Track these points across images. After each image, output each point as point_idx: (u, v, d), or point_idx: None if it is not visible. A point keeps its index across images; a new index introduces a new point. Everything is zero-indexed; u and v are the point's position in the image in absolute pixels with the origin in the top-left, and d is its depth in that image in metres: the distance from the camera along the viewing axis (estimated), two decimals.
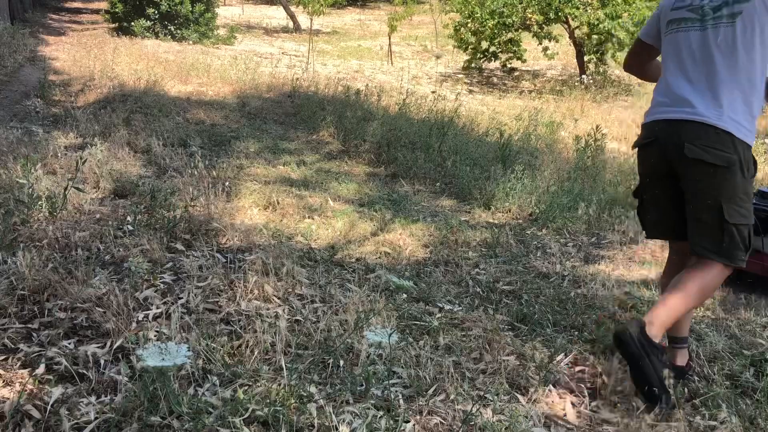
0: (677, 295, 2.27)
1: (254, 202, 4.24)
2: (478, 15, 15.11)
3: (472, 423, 1.94)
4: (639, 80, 14.74)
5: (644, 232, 2.61)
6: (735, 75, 2.27)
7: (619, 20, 13.63)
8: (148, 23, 14.81)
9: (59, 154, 4.48)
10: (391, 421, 1.90)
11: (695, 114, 2.28)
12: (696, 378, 2.46)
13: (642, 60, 2.70)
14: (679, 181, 2.36)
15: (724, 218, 2.24)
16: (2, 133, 5.01)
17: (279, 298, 2.71)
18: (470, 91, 14.33)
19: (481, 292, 3.21)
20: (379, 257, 3.61)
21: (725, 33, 2.29)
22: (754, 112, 2.28)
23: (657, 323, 2.22)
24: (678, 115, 2.33)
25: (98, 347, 2.17)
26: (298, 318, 2.55)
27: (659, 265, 3.71)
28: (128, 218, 3.44)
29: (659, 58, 2.56)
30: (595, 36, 14.35)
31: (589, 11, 14.10)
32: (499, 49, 15.59)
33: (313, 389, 2.00)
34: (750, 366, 2.54)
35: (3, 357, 2.08)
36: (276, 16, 24.40)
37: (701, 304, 2.81)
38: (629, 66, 2.81)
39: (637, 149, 2.52)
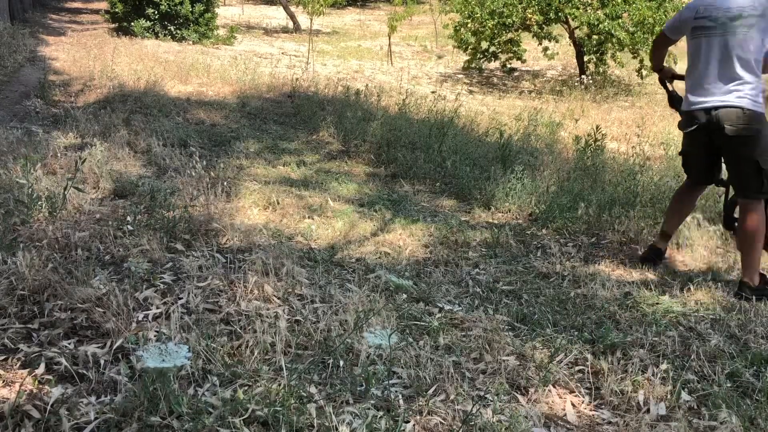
0: (746, 241, 3.34)
1: (254, 202, 4.24)
2: (478, 15, 15.10)
3: (472, 423, 1.94)
4: (639, 80, 14.68)
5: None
6: (748, 70, 3.24)
7: (619, 20, 13.61)
8: (148, 23, 14.79)
9: (59, 154, 4.48)
10: (391, 421, 1.90)
11: (727, 101, 3.24)
12: (696, 378, 2.46)
13: (663, 49, 3.75)
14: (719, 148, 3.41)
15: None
16: (2, 133, 5.01)
17: (279, 298, 2.71)
18: (470, 92, 14.32)
19: (481, 292, 3.21)
20: (379, 257, 3.61)
21: (740, 38, 3.23)
22: (762, 92, 3.29)
23: (750, 272, 3.31)
24: (714, 103, 3.29)
25: (98, 347, 2.17)
26: (298, 318, 2.55)
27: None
28: (128, 218, 3.44)
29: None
30: (595, 36, 14.34)
31: (589, 11, 14.09)
32: (499, 50, 15.58)
33: (313, 389, 2.00)
34: (750, 366, 2.54)
35: (3, 357, 2.08)
36: (276, 16, 24.40)
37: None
38: (652, 52, 3.85)
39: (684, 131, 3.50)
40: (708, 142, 3.41)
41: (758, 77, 3.28)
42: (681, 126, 3.50)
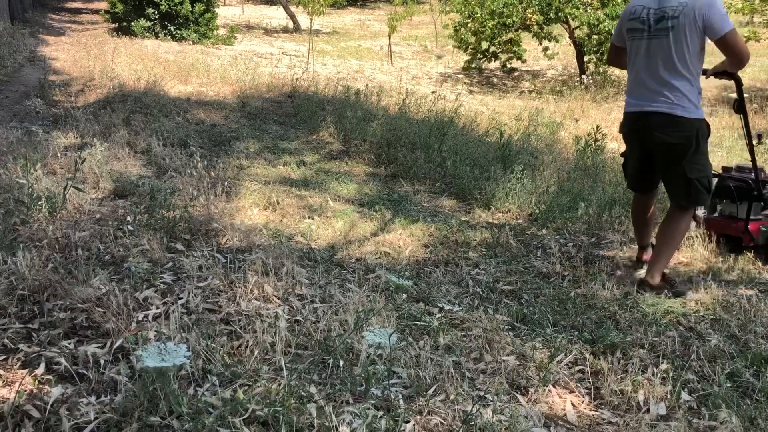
0: (665, 243, 3.33)
1: (254, 202, 4.24)
2: (478, 15, 15.11)
3: (472, 423, 1.94)
4: None
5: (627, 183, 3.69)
6: (675, 73, 3.12)
7: None
8: (148, 23, 14.80)
9: (59, 154, 4.48)
10: (391, 421, 1.90)
11: (655, 106, 3.18)
12: (696, 378, 2.46)
13: (619, 59, 3.53)
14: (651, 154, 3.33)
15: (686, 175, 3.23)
16: (2, 133, 5.01)
17: (279, 298, 2.71)
18: (470, 92, 14.33)
19: (481, 292, 3.21)
20: (379, 257, 3.61)
21: (662, 43, 3.13)
22: (697, 95, 3.17)
23: (655, 270, 3.30)
24: (645, 108, 3.23)
25: (98, 347, 2.17)
26: (298, 318, 2.55)
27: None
28: (128, 218, 3.44)
29: None
30: (595, 36, 14.35)
31: (589, 11, 14.10)
32: (499, 50, 15.59)
33: (312, 389, 2.00)
34: (750, 366, 2.54)
35: (3, 357, 2.08)
36: (276, 16, 24.41)
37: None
38: (611, 62, 3.72)
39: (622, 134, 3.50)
40: (640, 146, 3.36)
41: (689, 81, 3.13)
42: (624, 128, 3.46)
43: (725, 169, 4.17)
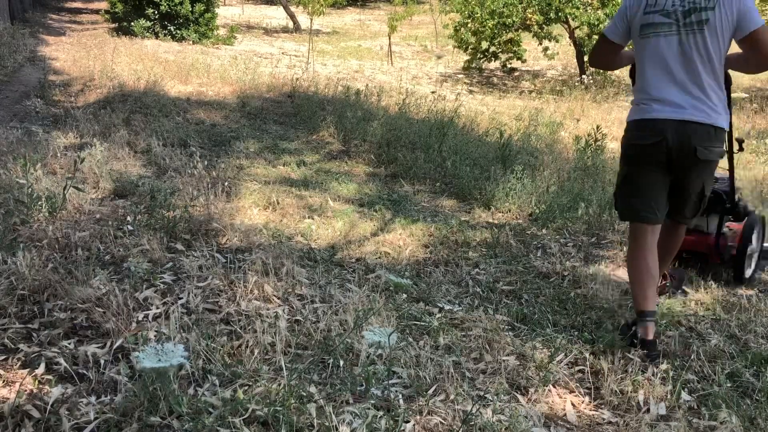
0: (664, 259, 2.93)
1: (254, 202, 4.24)
2: (478, 15, 15.12)
3: (472, 423, 1.94)
4: None
5: (630, 214, 2.85)
6: (712, 75, 2.62)
7: None
8: (148, 23, 14.80)
9: (59, 154, 4.48)
10: (391, 421, 1.90)
11: (692, 115, 2.61)
12: (696, 378, 2.46)
13: (610, 57, 2.95)
14: (671, 170, 2.72)
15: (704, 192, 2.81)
16: (2, 133, 5.01)
17: (279, 298, 2.71)
18: (470, 92, 14.33)
19: (481, 292, 3.21)
20: (379, 257, 3.61)
21: (697, 38, 2.60)
22: (725, 103, 2.69)
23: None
24: (682, 116, 2.61)
25: (98, 347, 2.17)
26: (298, 318, 2.55)
27: None
28: (128, 218, 3.44)
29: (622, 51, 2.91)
30: (595, 36, 14.34)
31: (590, 11, 14.11)
32: (499, 49, 15.60)
33: (313, 389, 1.99)
34: (750, 366, 2.54)
35: (3, 357, 2.08)
36: (276, 16, 24.41)
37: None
38: (597, 63, 3.19)
39: (633, 143, 2.77)
40: (667, 161, 2.68)
41: (720, 85, 2.66)
42: (634, 139, 2.75)
43: None
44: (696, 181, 2.74)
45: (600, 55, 3.02)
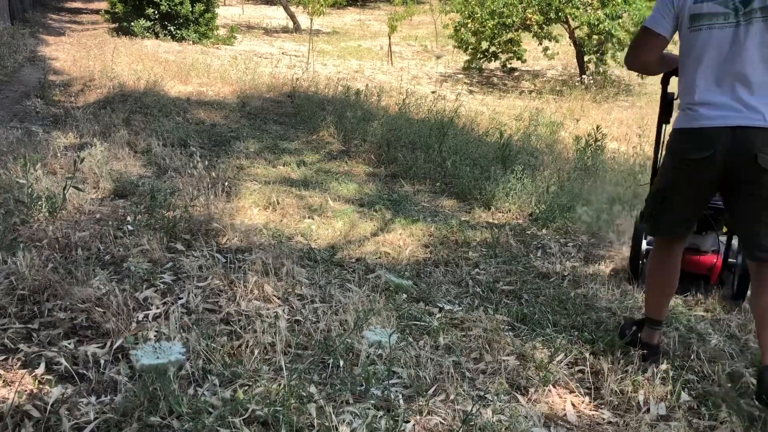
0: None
1: (254, 202, 4.24)
2: (478, 15, 15.12)
3: (472, 423, 1.94)
4: (639, 80, 14.40)
5: (663, 231, 2.54)
6: None
7: (619, 20, 13.65)
8: (148, 23, 14.80)
9: (59, 154, 4.48)
10: (391, 421, 1.90)
11: (752, 119, 2.20)
12: (696, 378, 2.46)
13: (655, 53, 2.47)
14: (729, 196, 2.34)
15: None
16: (2, 133, 5.01)
17: (279, 298, 2.71)
18: (470, 91, 14.33)
19: (481, 292, 3.20)
20: (379, 257, 3.61)
21: (756, 31, 2.19)
22: None
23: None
24: (736, 121, 2.21)
25: (98, 347, 2.17)
26: (298, 318, 2.55)
27: None
28: (128, 218, 3.44)
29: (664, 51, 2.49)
30: (595, 36, 14.36)
31: (589, 11, 14.11)
32: (499, 49, 15.60)
33: (313, 389, 2.00)
34: (750, 366, 2.53)
35: (3, 357, 2.08)
36: (276, 16, 24.40)
37: None
38: (636, 63, 2.58)
39: (678, 155, 2.38)
40: (718, 175, 2.29)
41: None
42: (679, 152, 2.37)
43: None
44: (765, 197, 2.24)
45: (643, 52, 2.50)
